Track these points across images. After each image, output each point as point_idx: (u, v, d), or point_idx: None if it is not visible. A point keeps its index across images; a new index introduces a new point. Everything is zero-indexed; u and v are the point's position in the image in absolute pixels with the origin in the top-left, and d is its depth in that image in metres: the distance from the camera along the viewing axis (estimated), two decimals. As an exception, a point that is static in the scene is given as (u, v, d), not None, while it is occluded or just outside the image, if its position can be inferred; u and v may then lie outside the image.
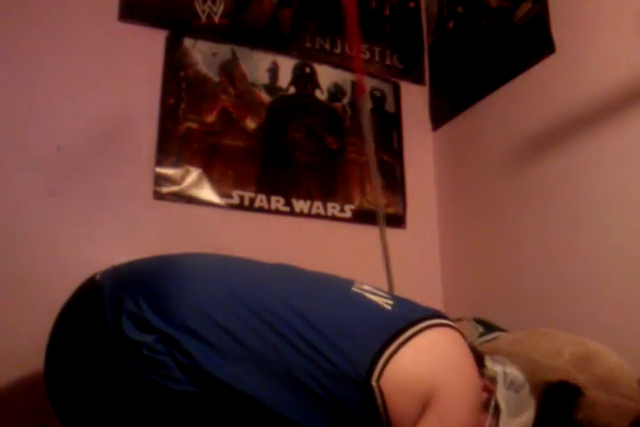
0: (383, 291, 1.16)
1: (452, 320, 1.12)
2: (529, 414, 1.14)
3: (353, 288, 1.12)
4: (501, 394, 1.11)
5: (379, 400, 0.97)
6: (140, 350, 0.94)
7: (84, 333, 1.02)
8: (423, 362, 1.01)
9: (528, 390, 1.16)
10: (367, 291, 1.12)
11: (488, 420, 1.08)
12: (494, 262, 1.91)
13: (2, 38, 1.74)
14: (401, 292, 1.73)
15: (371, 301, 1.09)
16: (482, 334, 1.46)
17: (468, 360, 1.06)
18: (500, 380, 1.12)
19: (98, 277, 1.07)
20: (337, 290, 1.11)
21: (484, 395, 1.10)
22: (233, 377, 0.94)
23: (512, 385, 1.13)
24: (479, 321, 1.55)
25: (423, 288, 1.97)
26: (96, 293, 1.02)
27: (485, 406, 1.09)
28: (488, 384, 1.11)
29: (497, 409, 1.10)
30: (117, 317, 0.97)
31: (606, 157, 1.56)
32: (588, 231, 1.59)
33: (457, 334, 1.09)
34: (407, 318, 1.05)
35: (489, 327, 1.52)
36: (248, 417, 0.96)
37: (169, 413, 0.96)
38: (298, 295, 1.05)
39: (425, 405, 0.98)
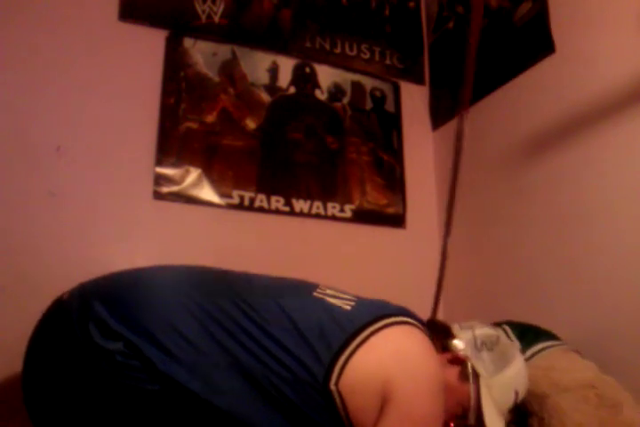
0: (347, 294, 1.17)
1: (415, 318, 1.15)
2: (518, 362, 1.18)
3: (314, 293, 1.14)
4: (474, 359, 1.15)
5: (338, 403, 1.00)
6: (114, 357, 0.97)
7: (57, 352, 1.03)
8: (377, 358, 1.04)
9: (505, 341, 1.20)
10: (329, 295, 1.15)
11: (472, 388, 1.13)
12: (494, 262, 1.91)
13: (2, 38, 1.74)
14: (401, 292, 1.73)
15: (331, 304, 1.11)
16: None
17: (427, 352, 1.09)
18: (469, 346, 1.16)
19: (65, 296, 1.09)
20: (297, 297, 1.13)
21: (456, 370, 1.14)
22: (192, 383, 0.97)
23: (484, 345, 1.17)
24: (518, 327, 1.45)
25: (423, 288, 1.97)
26: (64, 312, 1.05)
27: (464, 376, 1.14)
28: (459, 355, 1.15)
29: (476, 375, 1.14)
30: (86, 329, 0.99)
31: (606, 157, 1.56)
32: (588, 232, 1.59)
33: (414, 330, 1.12)
34: (364, 319, 1.08)
35: (530, 339, 1.41)
36: (218, 420, 0.99)
37: (146, 411, 0.99)
38: (258, 304, 1.06)
39: (384, 399, 1.01)
